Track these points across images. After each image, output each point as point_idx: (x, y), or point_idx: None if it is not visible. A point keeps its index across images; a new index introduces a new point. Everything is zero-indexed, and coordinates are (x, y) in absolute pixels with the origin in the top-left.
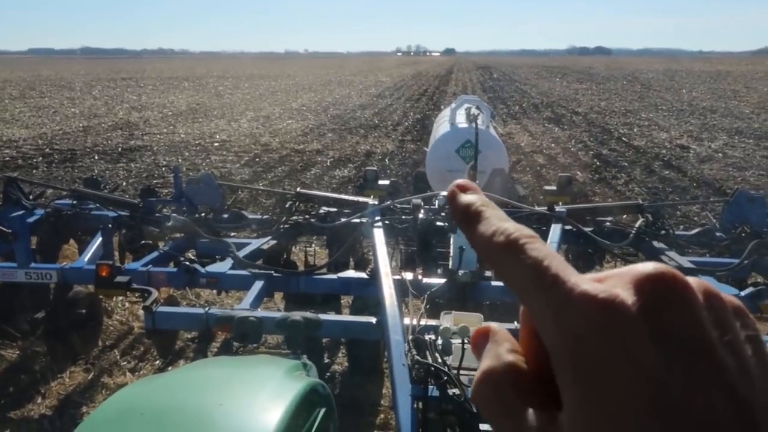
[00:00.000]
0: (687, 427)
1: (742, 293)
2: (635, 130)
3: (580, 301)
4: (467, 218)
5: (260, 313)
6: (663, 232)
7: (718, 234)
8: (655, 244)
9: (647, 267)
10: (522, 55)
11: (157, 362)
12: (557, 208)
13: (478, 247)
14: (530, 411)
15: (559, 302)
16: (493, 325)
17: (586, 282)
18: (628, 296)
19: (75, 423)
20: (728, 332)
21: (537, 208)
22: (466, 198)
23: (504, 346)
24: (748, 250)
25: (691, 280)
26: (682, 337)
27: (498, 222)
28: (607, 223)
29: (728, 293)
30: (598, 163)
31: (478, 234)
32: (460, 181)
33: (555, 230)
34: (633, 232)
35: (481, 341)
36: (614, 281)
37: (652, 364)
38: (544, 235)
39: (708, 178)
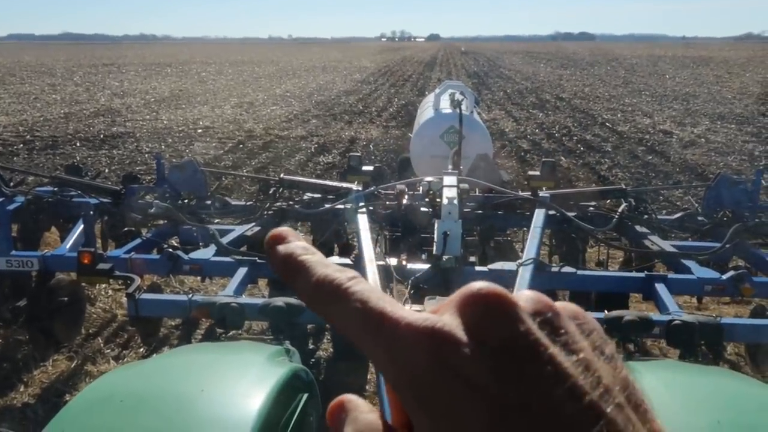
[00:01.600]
0: (534, 430)
1: (723, 277)
2: (619, 115)
3: (407, 334)
4: (289, 270)
5: (243, 299)
6: (646, 216)
7: (700, 218)
8: (638, 228)
9: (469, 288)
10: (507, 41)
11: (141, 350)
12: (541, 193)
13: (305, 299)
14: None
15: (387, 339)
16: (345, 396)
17: (411, 314)
18: (451, 320)
19: (58, 411)
20: (562, 334)
21: (521, 193)
22: (284, 248)
23: (360, 409)
24: (729, 234)
25: (522, 294)
26: (510, 347)
27: (320, 269)
28: (591, 208)
29: (714, 275)
30: (581, 149)
31: (302, 285)
32: (274, 231)
33: (539, 215)
34: (616, 216)
35: (337, 414)
36: (444, 308)
37: (483, 379)
38: (528, 221)
39: (690, 163)
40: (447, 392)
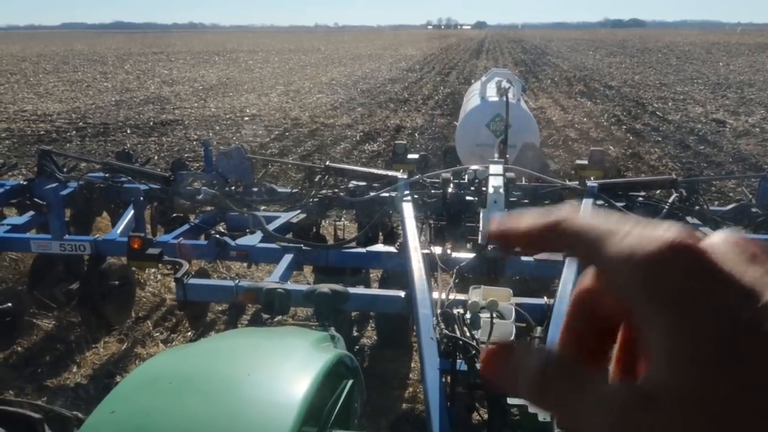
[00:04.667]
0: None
1: None
2: (670, 104)
3: (650, 240)
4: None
5: (289, 285)
6: (697, 207)
7: (754, 210)
8: (689, 219)
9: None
10: (555, 28)
11: (189, 333)
12: (589, 183)
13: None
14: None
15: (627, 245)
16: (498, 342)
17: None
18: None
19: (109, 391)
20: None
21: (568, 182)
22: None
23: (524, 348)
24: None
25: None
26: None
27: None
28: (640, 198)
29: None
30: (631, 138)
31: (522, 236)
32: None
33: (586, 205)
34: (666, 207)
35: (499, 356)
36: None
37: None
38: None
39: (744, 153)
40: (698, 295)
